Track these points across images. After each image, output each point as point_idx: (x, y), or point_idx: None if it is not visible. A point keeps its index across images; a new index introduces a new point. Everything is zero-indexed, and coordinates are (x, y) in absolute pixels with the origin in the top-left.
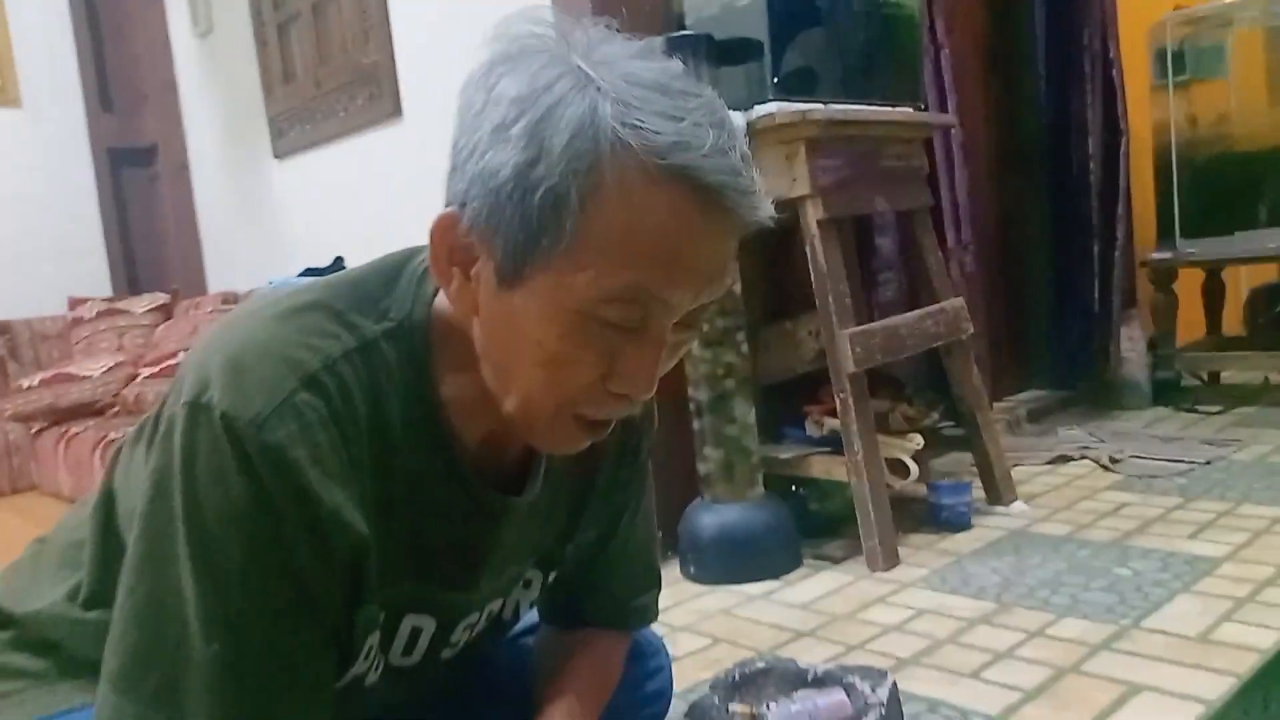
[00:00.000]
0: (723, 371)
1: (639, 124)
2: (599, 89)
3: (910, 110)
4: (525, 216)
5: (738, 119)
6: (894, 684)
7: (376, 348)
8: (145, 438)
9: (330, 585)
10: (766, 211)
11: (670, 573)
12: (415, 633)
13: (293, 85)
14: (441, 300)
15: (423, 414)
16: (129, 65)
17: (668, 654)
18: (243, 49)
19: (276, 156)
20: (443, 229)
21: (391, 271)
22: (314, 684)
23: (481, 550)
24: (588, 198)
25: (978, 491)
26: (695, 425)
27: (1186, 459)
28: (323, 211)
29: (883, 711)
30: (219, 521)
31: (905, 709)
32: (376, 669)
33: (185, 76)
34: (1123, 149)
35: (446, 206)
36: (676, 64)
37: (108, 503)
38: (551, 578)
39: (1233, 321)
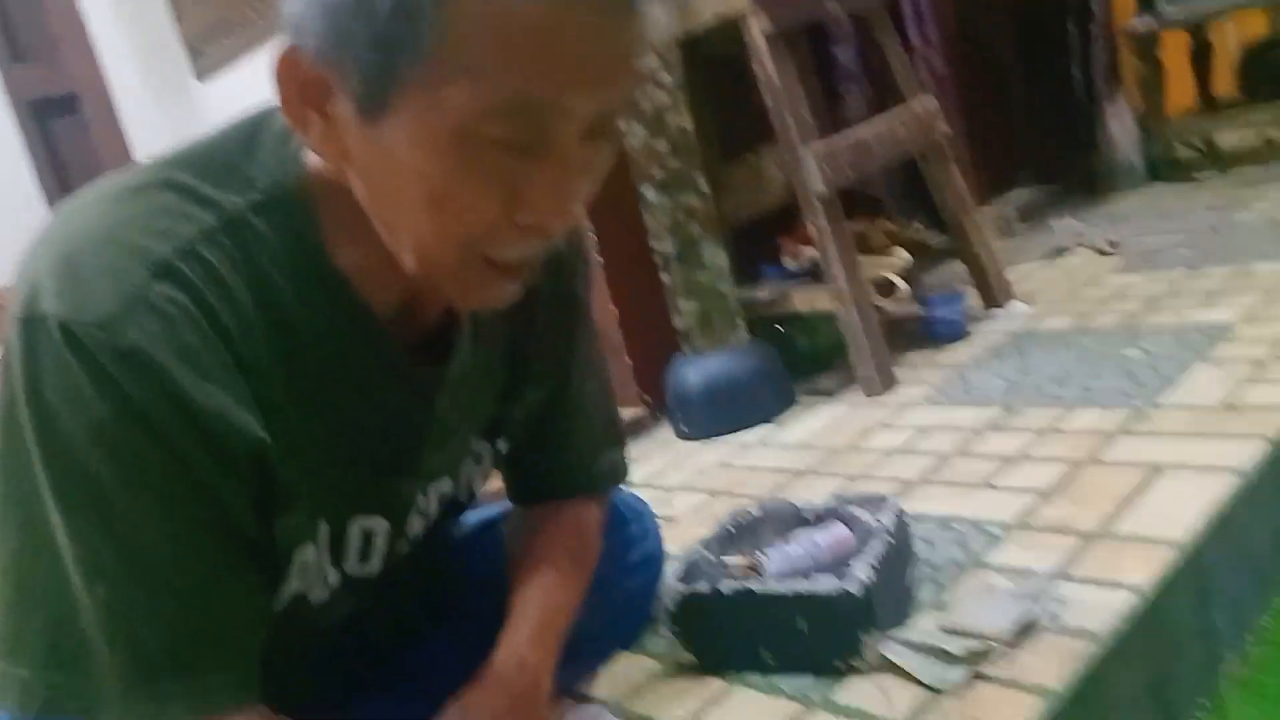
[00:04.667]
0: (685, 216)
1: None
2: None
3: None
4: (373, 31)
5: None
6: (898, 508)
7: (245, 224)
8: None
9: (233, 496)
10: None
11: (662, 434)
12: (367, 536)
13: (203, 1)
14: (312, 161)
15: (322, 290)
16: (35, 11)
17: (653, 517)
18: None
19: (199, 78)
20: (285, 67)
21: (249, 133)
22: (233, 611)
23: (417, 428)
24: None
25: (973, 299)
26: (665, 279)
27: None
28: None
29: (889, 537)
30: (83, 448)
31: (917, 529)
32: (327, 583)
33: (94, 15)
34: None
35: (285, 39)
36: None
37: None
38: (502, 447)
39: (1224, 85)
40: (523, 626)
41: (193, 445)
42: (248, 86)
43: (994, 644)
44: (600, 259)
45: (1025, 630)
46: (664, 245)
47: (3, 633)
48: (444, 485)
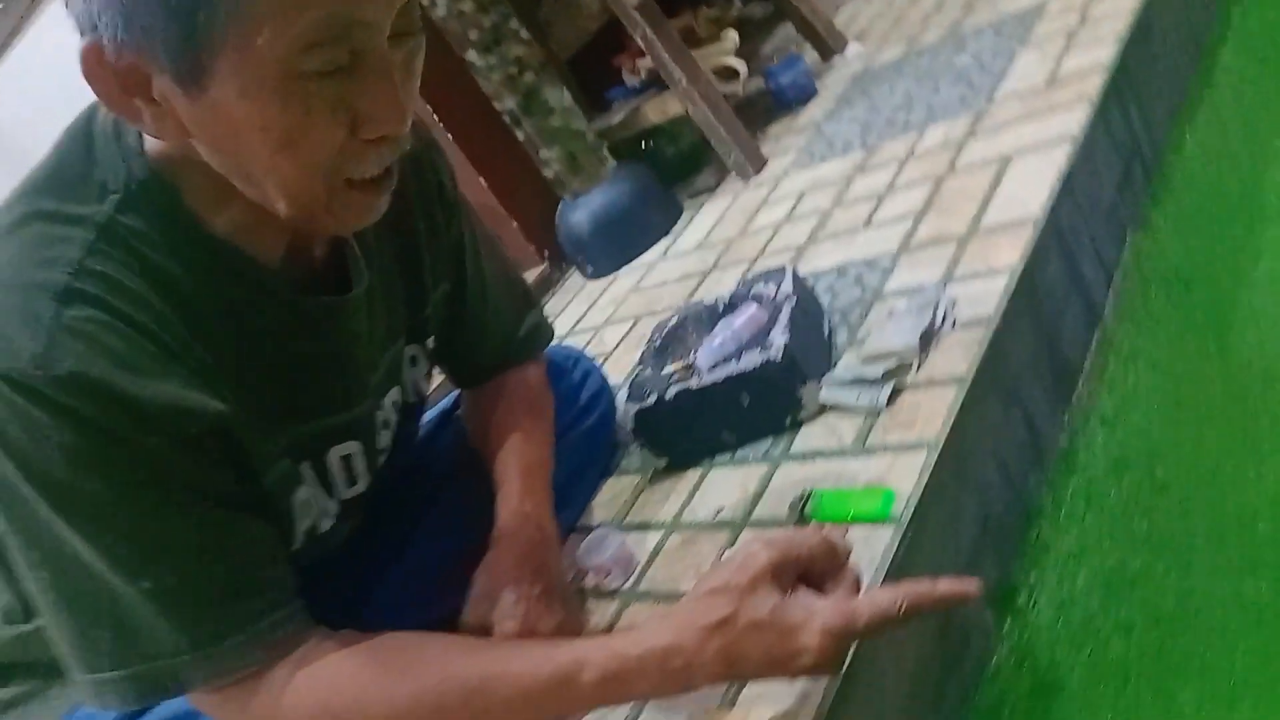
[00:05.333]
0: (516, 68)
1: None
2: None
3: None
4: (165, 5)
5: None
6: (793, 272)
7: (118, 226)
8: None
9: (214, 469)
10: None
11: (572, 282)
12: (347, 460)
13: None
14: (153, 142)
15: (211, 262)
16: None
17: (590, 359)
18: None
19: None
20: (91, 65)
21: (83, 139)
22: (261, 560)
23: (349, 355)
24: None
25: (812, 56)
26: (520, 136)
27: None
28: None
29: (792, 301)
30: (66, 473)
31: (818, 284)
32: (328, 514)
33: None
34: None
35: (82, 38)
36: None
37: None
38: (431, 344)
39: None
40: (511, 487)
41: (158, 437)
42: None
43: (907, 358)
44: (452, 139)
45: (929, 337)
46: (506, 103)
47: (81, 656)
48: (394, 394)
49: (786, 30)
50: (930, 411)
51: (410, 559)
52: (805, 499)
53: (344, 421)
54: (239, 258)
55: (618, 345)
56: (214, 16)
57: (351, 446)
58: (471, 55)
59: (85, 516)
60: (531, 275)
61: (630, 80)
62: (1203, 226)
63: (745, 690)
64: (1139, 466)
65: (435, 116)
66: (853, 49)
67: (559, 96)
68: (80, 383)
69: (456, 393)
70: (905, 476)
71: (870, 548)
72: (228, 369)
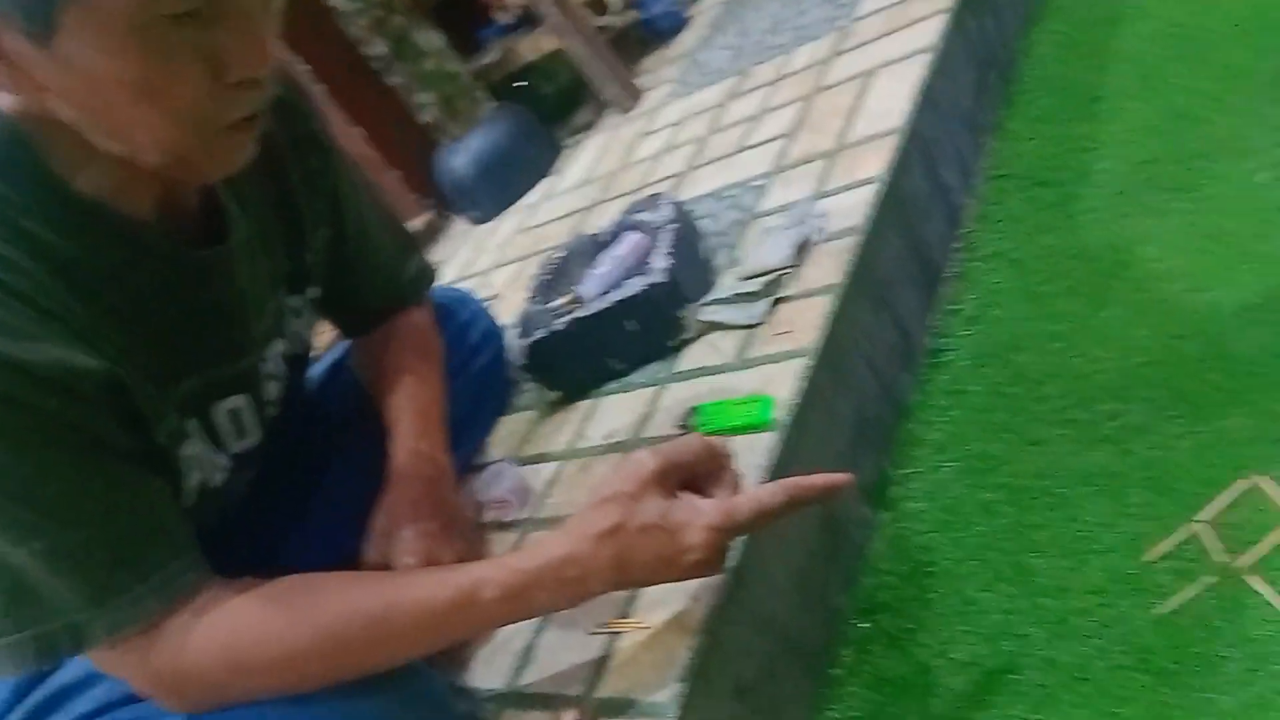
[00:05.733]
0: (384, 12)
1: None
2: None
3: None
4: None
5: None
6: (673, 199)
7: None
8: None
9: (104, 425)
10: None
11: (457, 228)
12: (236, 414)
13: None
14: (7, 101)
15: (81, 221)
16: None
17: (478, 300)
18: None
19: None
20: None
21: None
22: (153, 513)
23: (230, 306)
24: None
25: None
26: (393, 82)
27: None
28: None
29: (672, 226)
30: None
31: (697, 209)
32: (220, 469)
33: None
34: None
35: None
36: None
37: None
38: (314, 294)
39: None
40: (404, 428)
41: (46, 397)
42: None
43: (782, 271)
44: (325, 89)
45: (802, 250)
46: (376, 48)
47: None
48: (279, 346)
49: None
50: (805, 321)
51: (315, 508)
52: (691, 414)
53: (229, 374)
54: (109, 216)
55: (507, 286)
56: None
57: (238, 400)
58: (336, 1)
59: None
60: (415, 224)
61: (501, 18)
62: (1052, 128)
63: (641, 597)
64: (999, 359)
65: (305, 66)
66: None
67: (429, 39)
68: None
69: (346, 343)
70: (784, 384)
71: (754, 453)
72: (111, 327)
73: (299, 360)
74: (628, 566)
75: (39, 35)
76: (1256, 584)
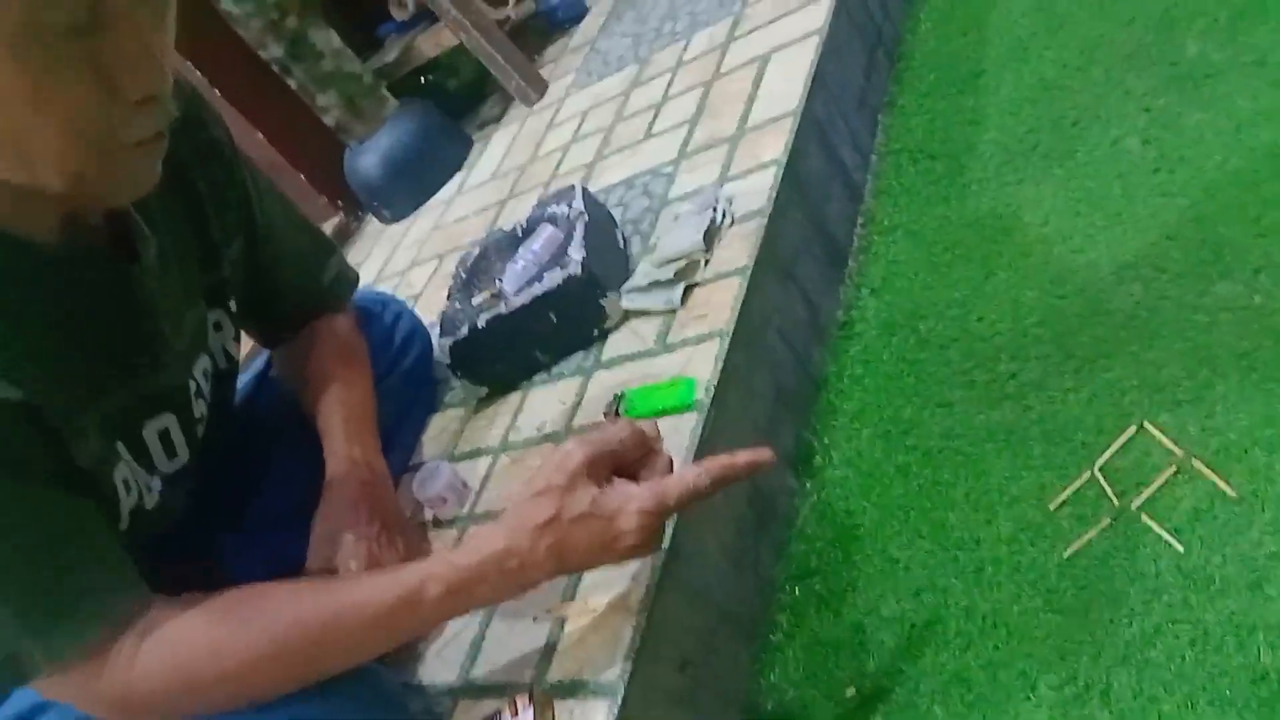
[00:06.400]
0: (277, 14)
1: None
2: None
3: None
4: None
5: None
6: (583, 190)
7: None
8: None
9: (26, 451)
10: None
11: (370, 229)
12: (164, 434)
13: None
14: None
15: None
16: None
17: (399, 301)
18: None
19: None
20: None
21: None
22: (90, 539)
23: (147, 322)
24: None
25: None
26: (293, 83)
27: None
28: None
29: (584, 217)
30: None
31: (609, 199)
32: (151, 490)
33: None
34: None
35: None
36: None
37: None
38: (234, 307)
39: None
40: (336, 435)
41: None
42: None
43: (694, 257)
44: (220, 95)
45: (712, 235)
46: (272, 51)
47: None
48: (204, 363)
49: None
50: (719, 303)
51: (253, 518)
52: (618, 400)
53: (153, 393)
54: (10, 242)
55: (426, 285)
56: None
57: (166, 420)
58: (227, 4)
59: None
60: (327, 227)
61: (399, 14)
62: (939, 102)
63: (582, 582)
64: (905, 327)
65: (199, 73)
66: None
67: (326, 39)
68: None
69: (268, 353)
70: (704, 365)
71: (679, 433)
72: (24, 354)
73: (223, 374)
74: (566, 555)
75: None
76: (1149, 522)
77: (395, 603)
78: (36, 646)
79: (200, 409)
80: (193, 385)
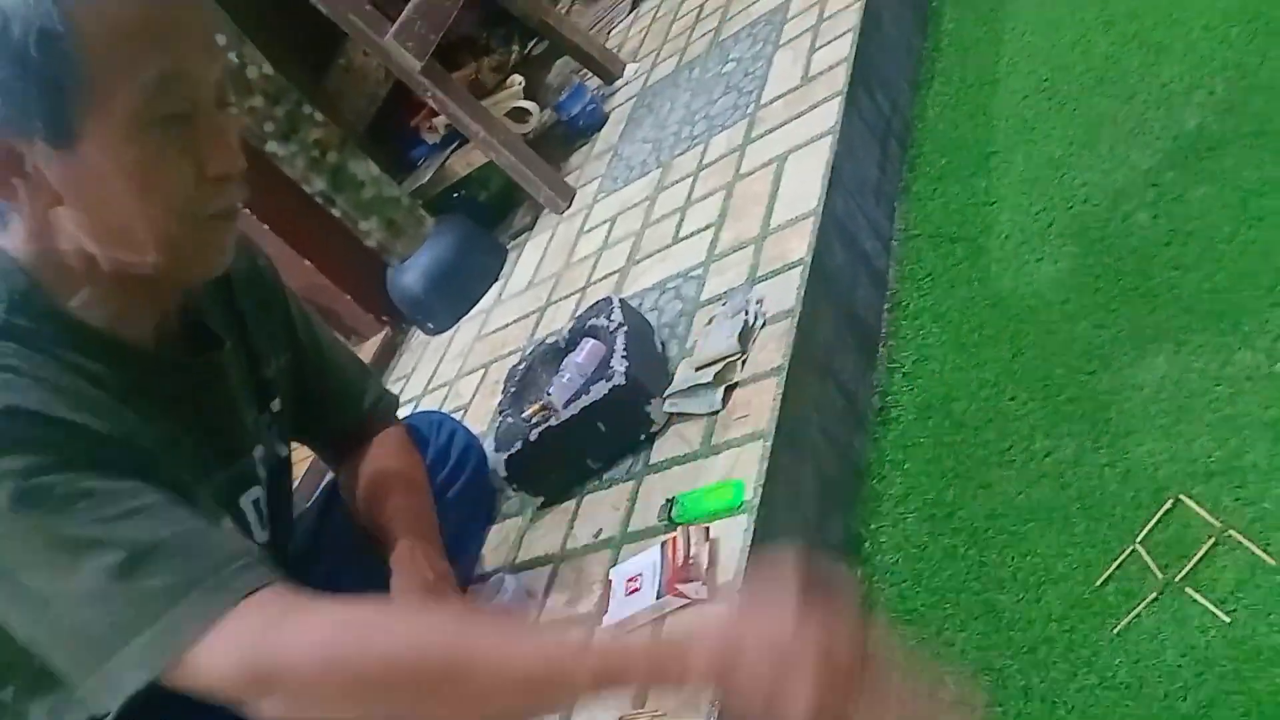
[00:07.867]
0: (318, 151)
1: None
2: None
3: None
4: (36, 79)
5: None
6: (619, 300)
7: (11, 326)
8: None
9: (151, 474)
10: None
11: (415, 343)
12: (257, 505)
13: None
14: (21, 251)
15: (97, 347)
16: None
17: (452, 418)
18: None
19: None
20: None
21: None
22: (211, 532)
23: (232, 407)
24: (71, 19)
25: (595, 84)
26: (336, 212)
27: None
28: None
29: (624, 329)
30: (19, 472)
31: (640, 304)
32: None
33: None
34: None
35: None
36: None
37: None
38: (276, 406)
39: None
40: (399, 533)
41: (93, 445)
42: None
43: (731, 358)
44: (270, 229)
45: (746, 336)
46: (316, 185)
47: (94, 644)
48: (259, 450)
49: (567, 61)
50: (760, 404)
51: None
52: (670, 505)
53: (241, 469)
54: (117, 342)
55: (474, 394)
56: (78, 81)
57: (257, 491)
58: (272, 146)
59: (44, 509)
60: (374, 342)
61: (430, 138)
62: (953, 185)
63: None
64: (939, 409)
65: (249, 211)
66: (630, 70)
67: (365, 168)
68: (18, 413)
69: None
70: (749, 465)
71: (732, 535)
72: (131, 435)
73: (277, 469)
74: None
75: (61, 140)
76: (1194, 594)
77: (550, 656)
78: (194, 604)
79: (273, 491)
80: (260, 468)
